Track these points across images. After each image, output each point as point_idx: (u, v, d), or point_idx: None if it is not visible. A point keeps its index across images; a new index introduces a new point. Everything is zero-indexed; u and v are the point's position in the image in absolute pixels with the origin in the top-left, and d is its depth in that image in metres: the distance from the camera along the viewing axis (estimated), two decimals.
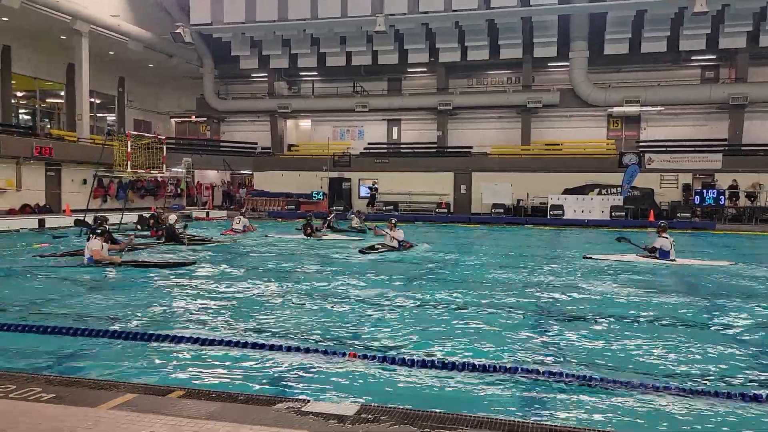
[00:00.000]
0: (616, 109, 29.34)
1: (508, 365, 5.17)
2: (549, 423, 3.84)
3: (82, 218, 18.00)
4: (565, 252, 14.98)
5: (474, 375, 5.03)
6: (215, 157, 33.62)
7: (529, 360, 5.54)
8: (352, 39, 29.79)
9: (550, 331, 6.70)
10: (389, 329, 6.66)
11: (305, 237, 17.51)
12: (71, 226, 18.92)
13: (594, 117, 30.80)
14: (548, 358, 5.64)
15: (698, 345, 6.14)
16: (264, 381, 4.91)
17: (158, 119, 37.64)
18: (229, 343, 5.78)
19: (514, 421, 3.63)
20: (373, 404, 3.81)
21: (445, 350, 5.82)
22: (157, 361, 5.40)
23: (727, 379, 5.14)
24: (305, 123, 36.57)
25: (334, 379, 4.95)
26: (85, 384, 4.10)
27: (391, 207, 28.33)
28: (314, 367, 5.19)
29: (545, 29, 27.95)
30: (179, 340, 5.91)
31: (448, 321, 7.09)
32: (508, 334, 6.52)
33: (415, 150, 32.09)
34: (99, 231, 11.50)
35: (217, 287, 9.17)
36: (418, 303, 8.17)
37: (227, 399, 3.80)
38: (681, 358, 5.70)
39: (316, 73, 34.67)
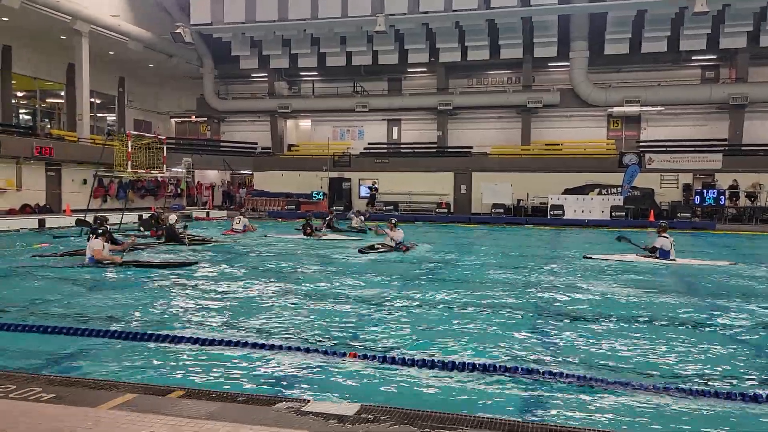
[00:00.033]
0: (616, 109, 29.34)
1: (508, 365, 5.17)
2: (549, 423, 3.83)
3: (83, 218, 18.01)
4: (565, 252, 14.97)
5: (474, 375, 5.03)
6: (215, 157, 33.62)
7: (529, 360, 5.53)
8: (352, 39, 29.78)
9: (550, 331, 6.70)
10: (389, 329, 6.66)
11: (305, 237, 17.51)
12: (71, 226, 18.93)
13: (594, 117, 30.79)
14: (548, 358, 5.63)
15: (698, 345, 6.14)
16: (264, 381, 4.91)
17: (158, 119, 37.64)
18: (229, 343, 5.78)
19: (514, 421, 3.63)
20: (373, 404, 3.81)
21: (445, 350, 5.81)
22: (156, 361, 5.40)
23: (727, 379, 5.14)
24: (305, 123, 36.56)
25: (334, 379, 4.95)
26: (85, 384, 4.10)
27: (391, 207, 28.33)
28: (314, 368, 5.19)
29: (545, 29, 27.94)
30: (179, 340, 5.91)
31: (448, 321, 7.08)
32: (508, 334, 6.51)
33: (415, 150, 32.08)
34: (100, 231, 11.53)
35: (217, 287, 9.17)
36: (418, 303, 8.16)
37: (227, 399, 3.80)
38: (681, 358, 5.70)
39: (316, 73, 34.66)
